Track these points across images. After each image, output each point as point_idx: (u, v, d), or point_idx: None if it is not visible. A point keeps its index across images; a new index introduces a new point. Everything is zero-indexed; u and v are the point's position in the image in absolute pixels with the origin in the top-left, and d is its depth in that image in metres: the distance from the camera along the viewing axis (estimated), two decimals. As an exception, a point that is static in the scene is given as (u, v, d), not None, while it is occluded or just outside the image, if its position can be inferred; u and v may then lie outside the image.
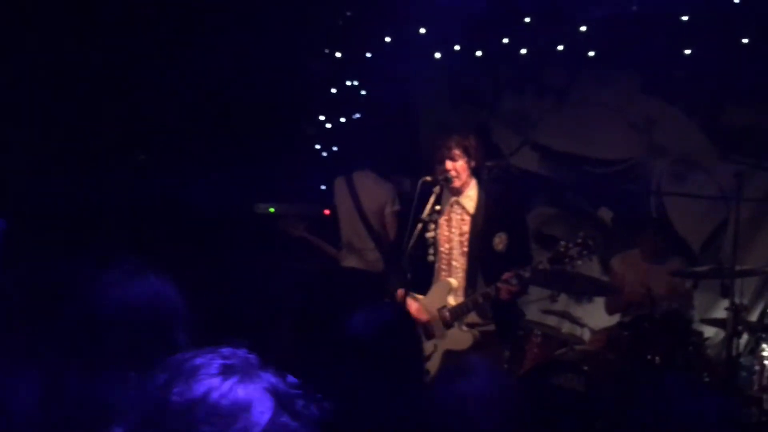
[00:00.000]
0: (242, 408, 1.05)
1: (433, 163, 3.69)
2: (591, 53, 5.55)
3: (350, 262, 5.06)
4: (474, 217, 3.68)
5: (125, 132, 5.33)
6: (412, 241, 3.48)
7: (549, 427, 4.09)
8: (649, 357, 4.36)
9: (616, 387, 4.30)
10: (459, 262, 3.70)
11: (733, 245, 4.23)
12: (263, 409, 1.06)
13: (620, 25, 5.19)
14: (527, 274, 3.42)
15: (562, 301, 5.80)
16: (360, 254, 5.02)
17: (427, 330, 3.67)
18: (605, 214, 6.01)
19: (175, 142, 5.45)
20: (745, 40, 5.10)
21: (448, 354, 3.66)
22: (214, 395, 1.05)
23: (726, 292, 4.32)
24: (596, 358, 4.64)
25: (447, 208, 3.74)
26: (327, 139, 6.16)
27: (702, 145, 5.72)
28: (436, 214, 3.71)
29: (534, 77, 6.20)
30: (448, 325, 3.65)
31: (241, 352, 1.14)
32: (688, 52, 5.29)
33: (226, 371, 1.08)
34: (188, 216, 5.27)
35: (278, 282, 5.18)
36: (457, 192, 3.72)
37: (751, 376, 5.29)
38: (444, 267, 3.74)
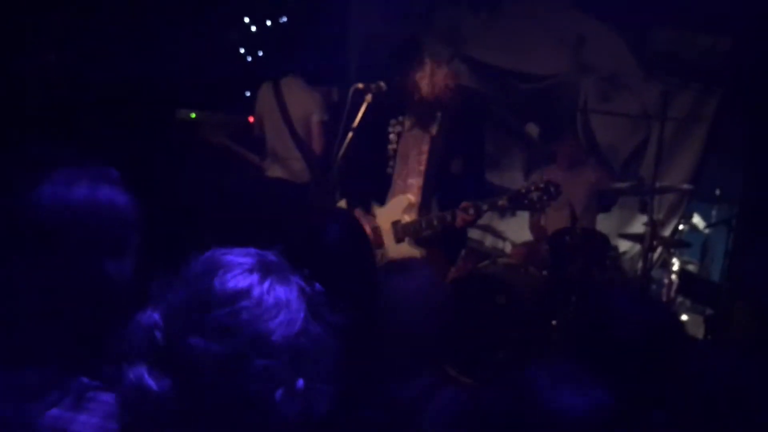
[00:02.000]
0: (283, 305, 1.06)
1: (402, 70, 3.57)
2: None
3: (275, 171, 4.92)
4: (435, 137, 3.65)
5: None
6: (341, 151, 3.39)
7: (470, 339, 4.21)
8: (568, 270, 4.48)
9: (536, 299, 4.44)
10: (415, 180, 3.69)
11: (656, 162, 4.33)
12: (300, 309, 1.07)
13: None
14: (485, 207, 3.43)
15: (486, 216, 5.86)
16: (285, 164, 4.88)
17: (377, 240, 3.66)
18: (532, 129, 6.05)
19: (94, 43, 5.08)
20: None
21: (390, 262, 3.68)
22: (256, 290, 1.05)
23: (644, 208, 4.45)
24: (517, 271, 4.75)
25: (410, 123, 3.69)
26: (252, 43, 5.89)
27: (629, 64, 5.77)
28: (399, 127, 3.66)
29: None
30: (399, 240, 3.66)
31: (273, 254, 1.13)
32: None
33: (264, 269, 1.08)
34: (103, 115, 4.98)
35: (201, 193, 5.01)
36: (421, 110, 3.64)
37: (660, 288, 5.60)
38: (400, 183, 3.71)
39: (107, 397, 1.15)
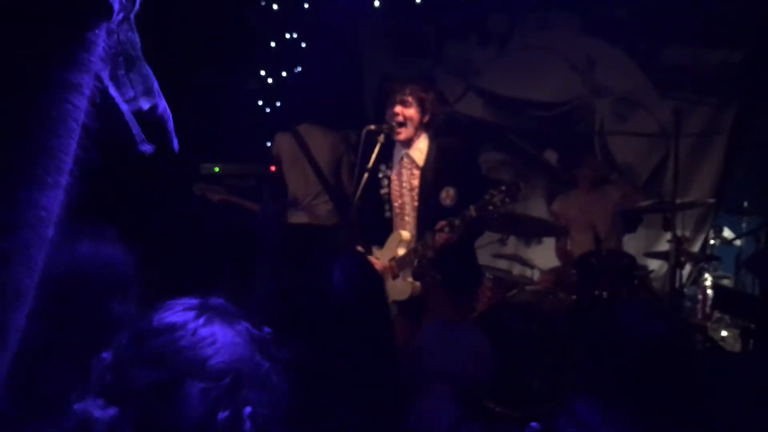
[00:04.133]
0: (219, 336, 1.10)
1: (385, 108, 3.65)
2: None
3: (298, 218, 4.99)
4: (423, 170, 3.67)
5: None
6: (359, 192, 3.46)
7: (504, 367, 4.19)
8: (596, 293, 4.46)
9: (567, 324, 4.41)
10: (410, 217, 3.72)
11: (674, 179, 4.32)
12: (239, 342, 1.11)
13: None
14: (457, 222, 3.45)
15: (513, 245, 5.89)
16: (310, 209, 4.95)
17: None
18: (551, 155, 6.08)
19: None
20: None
21: (394, 304, 3.71)
22: (191, 324, 1.10)
23: (668, 225, 4.43)
24: (546, 298, 4.74)
25: (397, 163, 3.73)
26: (270, 94, 6.05)
27: (642, 84, 5.79)
28: (388, 170, 3.70)
29: (477, 24, 6.17)
30: (394, 276, 3.69)
31: (217, 300, 1.18)
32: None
33: (202, 308, 1.13)
34: (129, 178, 5.12)
35: (225, 240, 5.10)
36: (407, 145, 3.69)
37: (695, 305, 5.51)
38: (399, 222, 3.76)
39: None
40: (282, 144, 5.08)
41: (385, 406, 1.91)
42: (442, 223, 3.46)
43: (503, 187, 3.40)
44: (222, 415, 1.05)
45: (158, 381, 1.06)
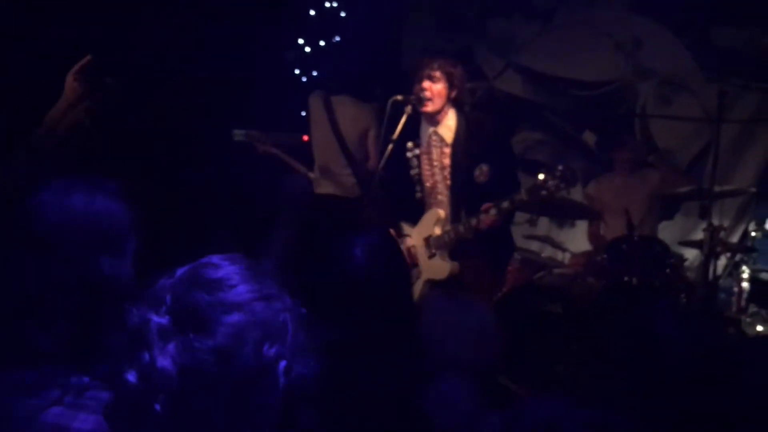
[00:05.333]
0: (255, 292, 1.13)
1: (412, 83, 3.58)
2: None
3: (326, 188, 4.96)
4: (453, 148, 3.60)
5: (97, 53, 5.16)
6: (382, 163, 3.42)
7: (526, 350, 4.13)
8: (626, 279, 4.36)
9: (593, 310, 4.33)
10: (444, 195, 3.67)
11: (713, 166, 4.18)
12: (286, 319, 1.15)
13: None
14: (506, 205, 3.38)
15: (545, 226, 5.79)
16: (336, 179, 4.93)
17: (411, 258, 3.67)
18: (589, 137, 5.93)
19: (148, 69, 5.30)
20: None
21: (429, 283, 3.68)
22: (235, 278, 1.14)
23: (704, 214, 4.29)
24: (574, 281, 4.66)
25: (426, 140, 3.67)
26: (307, 63, 6.02)
27: (689, 66, 5.60)
28: (416, 149, 3.64)
29: (521, 2, 6.03)
30: (431, 255, 3.64)
31: (268, 264, 1.26)
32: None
33: (257, 277, 1.16)
34: (165, 142, 5.18)
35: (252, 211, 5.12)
36: (435, 122, 3.62)
37: (730, 297, 5.35)
38: (432, 201, 3.71)
39: (106, 395, 1.19)
40: (314, 108, 5.03)
41: (402, 388, 1.89)
42: (489, 205, 3.39)
43: (558, 172, 3.30)
44: (269, 351, 1.10)
45: (216, 302, 1.10)
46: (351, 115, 4.93)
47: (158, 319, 1.09)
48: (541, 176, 3.34)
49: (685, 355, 1.77)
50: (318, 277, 2.08)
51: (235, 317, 1.09)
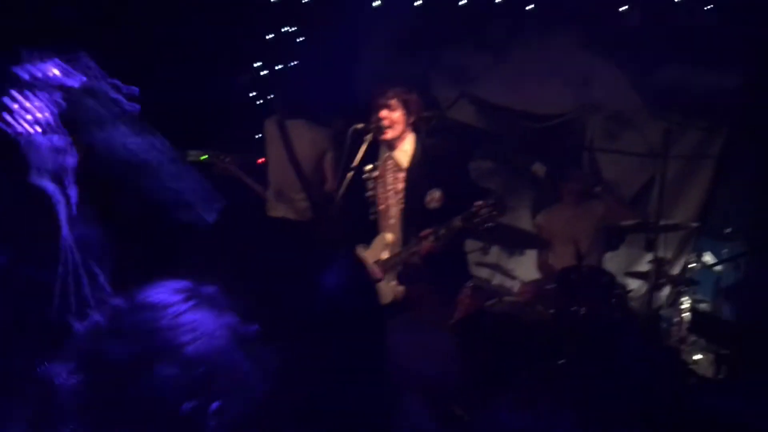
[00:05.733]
0: (200, 324, 1.08)
1: (370, 112, 3.63)
2: (530, 6, 5.53)
3: (279, 211, 4.95)
4: (408, 173, 3.65)
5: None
6: (341, 191, 3.44)
7: (477, 378, 4.17)
8: (574, 309, 4.46)
9: (544, 337, 4.41)
10: (395, 219, 3.71)
11: (659, 200, 4.34)
12: (221, 335, 1.09)
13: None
14: (443, 232, 3.44)
15: (495, 254, 5.89)
16: (290, 203, 4.91)
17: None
18: (539, 168, 6.07)
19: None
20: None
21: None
22: (176, 307, 1.08)
23: (650, 246, 4.43)
24: (525, 310, 4.74)
25: (382, 165, 3.71)
26: (263, 87, 6.01)
27: (635, 103, 5.81)
28: (374, 172, 3.68)
29: (474, 31, 6.15)
30: (378, 279, 3.66)
31: (211, 287, 1.16)
32: (624, 8, 5.33)
33: (191, 294, 1.12)
34: (118, 165, 5.08)
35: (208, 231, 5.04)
36: (392, 147, 3.67)
37: (670, 327, 5.51)
38: (384, 224, 3.74)
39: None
40: (269, 132, 5.03)
41: (372, 410, 1.89)
42: (427, 231, 3.45)
43: (491, 201, 3.39)
44: (188, 405, 1.04)
45: (130, 356, 1.04)
46: (307, 138, 4.94)
47: (67, 381, 1.04)
48: (477, 204, 3.42)
49: (647, 378, 1.84)
50: (287, 299, 2.08)
51: (161, 369, 1.05)
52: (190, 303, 1.10)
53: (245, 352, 1.11)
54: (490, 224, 3.46)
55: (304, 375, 1.76)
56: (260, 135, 5.52)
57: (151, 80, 5.33)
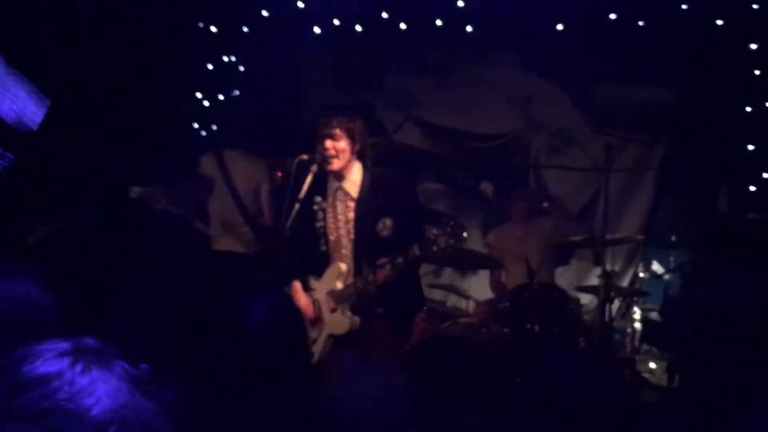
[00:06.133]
0: (99, 381, 1.03)
1: (314, 143, 3.61)
2: (469, 28, 5.61)
3: (224, 245, 4.87)
4: (358, 202, 3.63)
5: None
6: (289, 222, 3.40)
7: (433, 402, 4.14)
8: (528, 326, 4.48)
9: (498, 359, 4.41)
10: (347, 249, 3.67)
11: (603, 215, 4.41)
12: (120, 387, 1.05)
13: (497, 2, 5.28)
14: (399, 261, 3.41)
15: (448, 275, 5.90)
16: (234, 235, 4.85)
17: (316, 313, 3.64)
18: (487, 187, 6.14)
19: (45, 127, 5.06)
20: (613, 16, 5.30)
21: (331, 338, 3.65)
22: (68, 373, 1.02)
23: (598, 261, 4.49)
24: (480, 331, 4.74)
25: (331, 195, 3.68)
26: (205, 118, 5.94)
27: (576, 120, 5.93)
28: (323, 203, 3.65)
29: (415, 54, 6.21)
30: (333, 309, 3.63)
31: (89, 341, 1.10)
32: (560, 27, 5.44)
33: (76, 353, 1.06)
34: (61, 201, 4.95)
35: (149, 270, 4.94)
36: (340, 177, 3.64)
37: (624, 338, 5.59)
38: (336, 255, 3.70)
39: None
40: (206, 166, 4.98)
41: None
42: (384, 260, 3.41)
43: (448, 228, 3.34)
44: None
45: None
46: (242, 169, 4.90)
47: None
48: (434, 232, 3.38)
49: (588, 399, 1.84)
50: (212, 338, 2.02)
51: None
52: (80, 364, 1.04)
53: (144, 394, 1.07)
54: (448, 252, 3.43)
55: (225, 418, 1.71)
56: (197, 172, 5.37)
57: (93, 109, 5.25)
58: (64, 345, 1.07)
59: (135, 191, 5.20)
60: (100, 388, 1.03)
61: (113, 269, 4.69)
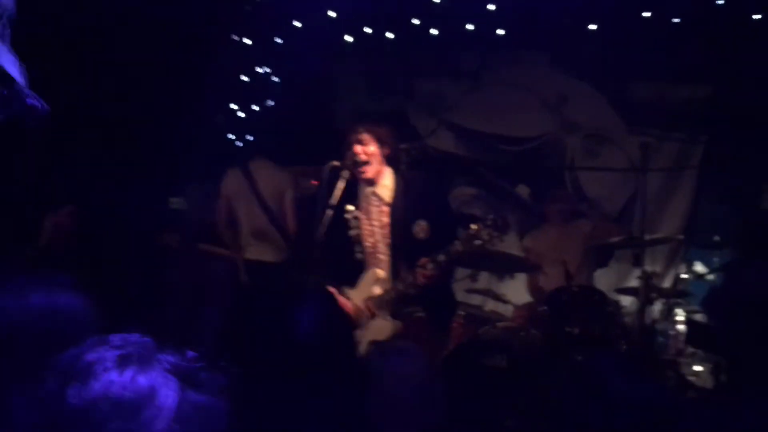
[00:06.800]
0: (146, 396, 1.03)
1: (345, 151, 3.64)
2: (500, 32, 5.59)
3: (254, 252, 4.91)
4: (392, 207, 3.64)
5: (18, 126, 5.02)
6: (322, 229, 3.42)
7: (472, 405, 4.12)
8: (568, 329, 4.42)
9: (537, 363, 4.36)
10: (384, 254, 3.68)
11: (642, 215, 4.33)
12: (168, 393, 1.05)
13: (528, 3, 5.25)
14: (442, 258, 3.40)
15: (486, 280, 5.86)
16: (265, 243, 4.89)
17: (353, 320, 3.65)
18: (522, 190, 6.09)
19: (82, 138, 5.20)
20: (647, 14, 5.22)
21: (372, 344, 3.65)
22: (115, 389, 1.02)
23: (638, 262, 4.42)
24: (518, 334, 4.69)
25: (364, 201, 3.70)
26: (241, 128, 6.02)
27: (611, 120, 5.85)
28: (356, 210, 3.67)
29: (447, 59, 6.21)
30: (372, 316, 3.63)
31: (134, 338, 1.10)
32: (593, 27, 5.38)
33: (122, 362, 1.05)
34: (98, 214, 5.07)
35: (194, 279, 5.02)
36: (372, 183, 3.66)
37: (667, 341, 5.48)
38: (372, 261, 3.71)
39: None
40: (231, 181, 5.02)
41: None
42: (425, 259, 3.40)
43: (489, 221, 3.35)
44: None
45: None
46: (268, 178, 4.94)
47: None
48: (474, 226, 3.38)
49: (631, 404, 1.81)
50: (264, 344, 2.04)
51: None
52: (128, 373, 1.04)
53: (195, 387, 1.08)
54: (491, 245, 3.41)
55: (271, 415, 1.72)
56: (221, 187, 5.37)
57: (132, 123, 5.36)
58: (108, 353, 1.07)
59: (175, 202, 5.30)
60: (147, 405, 1.03)
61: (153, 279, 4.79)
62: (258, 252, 4.89)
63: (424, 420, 2.25)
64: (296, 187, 4.92)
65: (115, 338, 1.09)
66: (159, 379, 1.05)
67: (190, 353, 1.11)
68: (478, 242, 3.35)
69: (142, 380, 1.04)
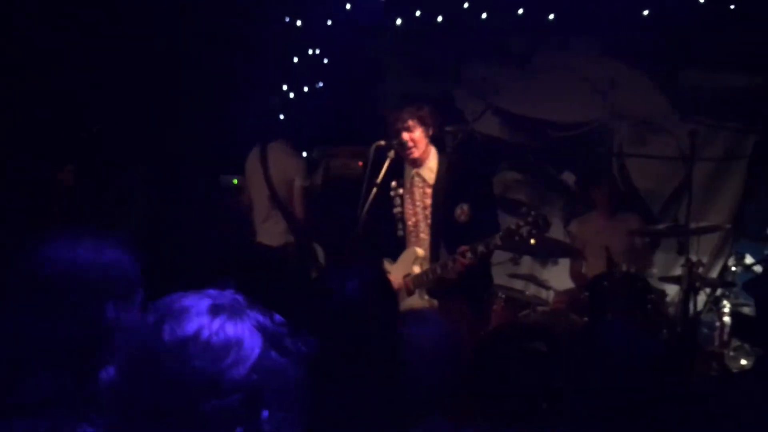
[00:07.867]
0: (233, 344, 1.10)
1: (389, 134, 3.70)
2: (551, 16, 5.55)
3: (261, 237, 4.87)
4: (435, 188, 3.70)
5: (77, 102, 5.21)
6: (366, 207, 3.50)
7: (510, 389, 4.15)
8: (609, 316, 4.42)
9: (576, 348, 4.37)
10: (425, 234, 3.75)
11: (688, 203, 4.29)
12: (253, 345, 1.11)
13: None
14: (481, 249, 3.45)
15: (528, 265, 5.87)
16: (271, 226, 4.84)
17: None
18: (568, 177, 6.05)
19: (134, 116, 5.38)
20: (701, 0, 5.12)
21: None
22: (205, 333, 1.09)
23: (682, 250, 4.38)
24: (558, 319, 4.71)
25: (409, 181, 3.77)
26: (291, 109, 6.11)
27: (662, 107, 5.76)
28: (400, 189, 3.74)
29: (497, 43, 6.19)
30: (410, 293, 3.69)
31: (228, 293, 1.18)
32: (646, 13, 5.30)
33: (214, 310, 1.12)
34: (152, 189, 5.25)
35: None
36: (418, 164, 3.73)
37: (712, 332, 5.41)
38: (413, 240, 3.78)
39: None
40: (251, 160, 5.01)
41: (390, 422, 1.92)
42: (464, 248, 3.45)
43: (530, 218, 3.37)
44: (239, 429, 1.07)
45: (173, 406, 1.06)
46: (281, 164, 4.89)
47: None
48: (514, 222, 3.42)
49: (632, 364, 1.85)
50: (311, 311, 2.11)
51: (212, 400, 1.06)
52: (217, 323, 1.11)
53: (278, 349, 1.13)
54: (529, 242, 3.45)
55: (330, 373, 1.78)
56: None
57: (185, 104, 5.53)
58: (201, 302, 1.13)
59: (225, 180, 5.42)
60: (232, 352, 1.09)
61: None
62: (266, 234, 4.86)
63: (440, 387, 2.29)
64: (305, 175, 4.86)
65: (212, 291, 1.17)
66: (246, 332, 1.12)
67: (278, 317, 1.17)
68: (516, 238, 3.39)
69: (230, 329, 1.11)
